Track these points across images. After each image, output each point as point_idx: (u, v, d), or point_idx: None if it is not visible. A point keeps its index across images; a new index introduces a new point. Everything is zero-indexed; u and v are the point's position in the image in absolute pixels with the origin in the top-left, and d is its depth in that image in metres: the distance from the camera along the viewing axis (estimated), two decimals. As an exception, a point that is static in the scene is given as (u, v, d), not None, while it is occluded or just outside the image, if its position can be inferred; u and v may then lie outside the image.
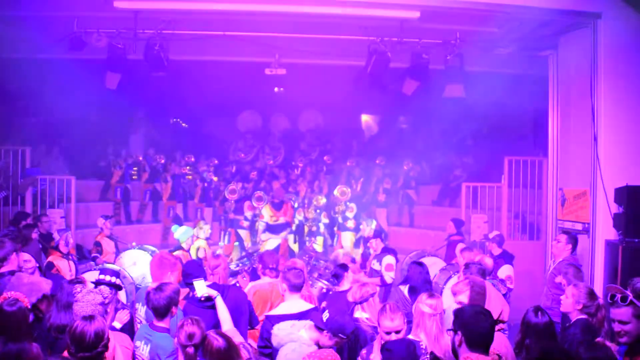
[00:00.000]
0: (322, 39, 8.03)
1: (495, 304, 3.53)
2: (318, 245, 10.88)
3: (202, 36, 7.81)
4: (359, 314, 4.47)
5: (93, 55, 8.07)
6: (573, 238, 6.43)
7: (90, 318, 3.39)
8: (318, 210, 11.41)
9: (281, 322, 4.27)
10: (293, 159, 13.63)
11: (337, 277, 5.70)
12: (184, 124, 15.78)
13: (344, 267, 5.81)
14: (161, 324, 4.01)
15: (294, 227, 11.05)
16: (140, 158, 12.50)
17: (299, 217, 11.14)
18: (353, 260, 8.05)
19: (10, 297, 3.98)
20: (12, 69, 8.57)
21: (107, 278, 4.63)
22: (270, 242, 10.17)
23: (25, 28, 7.66)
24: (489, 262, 6.24)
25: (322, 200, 11.50)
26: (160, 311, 4.00)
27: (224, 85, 11.02)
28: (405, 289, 5.79)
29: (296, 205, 11.19)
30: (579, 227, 7.42)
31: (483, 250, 9.28)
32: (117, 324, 4.41)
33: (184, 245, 7.67)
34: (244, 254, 9.78)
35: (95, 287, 4.57)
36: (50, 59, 8.54)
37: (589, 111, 7.10)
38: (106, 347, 3.41)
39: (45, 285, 4.74)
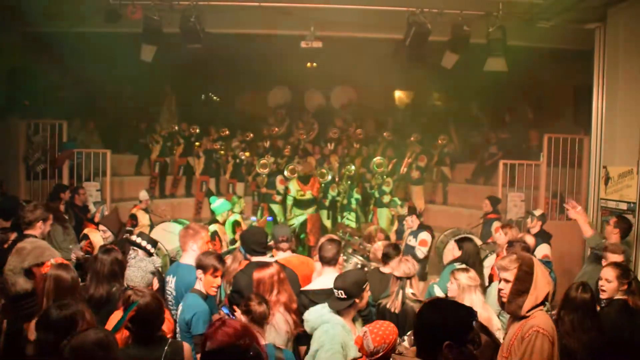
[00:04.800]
0: (360, 10, 7.83)
1: (543, 284, 3.36)
2: (350, 220, 10.79)
3: (238, 7, 7.69)
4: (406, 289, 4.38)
5: (128, 29, 8.05)
6: (621, 222, 5.96)
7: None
8: (349, 182, 11.27)
9: (314, 298, 4.21)
10: (327, 134, 13.48)
11: (387, 257, 5.37)
12: (216, 98, 15.78)
13: (397, 248, 5.52)
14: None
15: (327, 203, 10.98)
16: (176, 128, 12.53)
17: (332, 193, 11.03)
18: (387, 237, 7.96)
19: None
20: (48, 42, 8.60)
21: (139, 240, 4.75)
22: (297, 218, 10.14)
23: (60, 1, 7.66)
24: (530, 240, 6.06)
25: (352, 169, 11.37)
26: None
27: (258, 60, 10.93)
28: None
29: (329, 177, 10.97)
30: (623, 206, 7.18)
31: (519, 229, 9.09)
32: None
33: (219, 217, 7.66)
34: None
35: (132, 246, 4.71)
36: (86, 33, 8.53)
37: (638, 86, 6.82)
38: None
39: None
